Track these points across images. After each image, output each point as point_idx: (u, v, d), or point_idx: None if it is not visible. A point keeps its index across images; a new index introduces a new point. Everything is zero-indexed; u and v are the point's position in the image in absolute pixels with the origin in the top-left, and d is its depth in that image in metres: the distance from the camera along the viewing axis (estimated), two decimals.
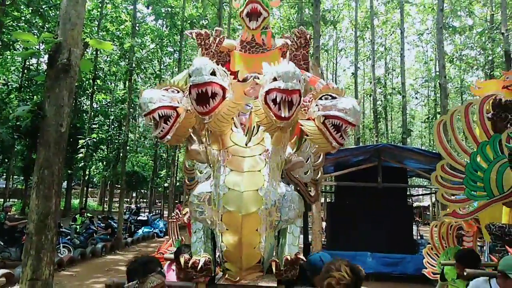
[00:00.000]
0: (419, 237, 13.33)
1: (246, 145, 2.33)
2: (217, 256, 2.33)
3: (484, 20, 20.38)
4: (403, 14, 18.43)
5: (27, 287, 2.81)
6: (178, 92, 2.29)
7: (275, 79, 1.97)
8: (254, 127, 2.41)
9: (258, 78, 2.22)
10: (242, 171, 2.20)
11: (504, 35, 12.88)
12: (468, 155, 2.99)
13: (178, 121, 2.21)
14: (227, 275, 2.55)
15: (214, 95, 2.00)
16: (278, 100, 1.96)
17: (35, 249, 2.85)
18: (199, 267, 2.13)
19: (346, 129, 2.09)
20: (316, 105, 2.14)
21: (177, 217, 5.44)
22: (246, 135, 2.42)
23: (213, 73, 2.01)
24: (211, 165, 2.43)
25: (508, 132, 2.82)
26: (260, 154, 2.28)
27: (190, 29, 13.92)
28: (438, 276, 5.53)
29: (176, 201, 24.80)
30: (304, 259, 2.24)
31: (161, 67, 22.94)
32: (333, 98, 2.12)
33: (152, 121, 2.22)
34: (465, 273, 3.09)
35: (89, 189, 30.58)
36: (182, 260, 2.23)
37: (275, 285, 2.29)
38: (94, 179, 30.06)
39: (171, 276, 3.21)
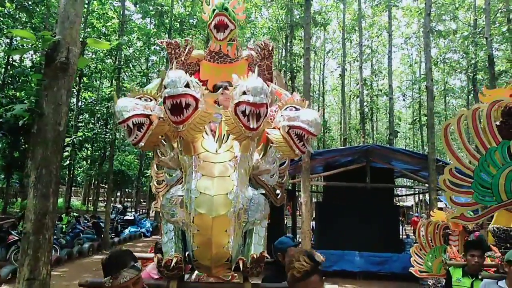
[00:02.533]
0: (405, 236, 13.59)
1: (216, 151, 2.45)
2: (186, 255, 2.44)
3: (468, 24, 20.88)
4: (390, 17, 18.71)
5: (24, 287, 2.79)
6: (151, 100, 2.42)
7: (244, 93, 2.14)
8: (224, 135, 2.54)
9: (227, 89, 2.39)
10: (212, 176, 2.31)
11: (488, 39, 13.25)
12: (476, 160, 3.04)
13: (151, 129, 2.34)
14: (196, 272, 2.71)
15: (187, 106, 2.12)
16: (247, 112, 2.13)
17: (32, 248, 2.83)
18: (171, 266, 2.26)
19: (308, 139, 2.28)
20: (282, 115, 2.31)
21: None
22: (216, 142, 2.54)
23: (187, 85, 2.12)
24: (182, 170, 2.54)
25: None
26: (229, 160, 2.41)
27: (180, 28, 13.88)
28: (425, 274, 5.69)
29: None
30: (268, 256, 2.41)
31: (148, 65, 22.73)
32: (297, 109, 2.31)
33: (126, 128, 2.35)
34: (480, 277, 3.17)
35: (73, 188, 30.08)
36: (155, 260, 2.39)
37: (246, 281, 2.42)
38: (78, 178, 29.58)
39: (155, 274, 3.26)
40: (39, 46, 3.13)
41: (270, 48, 3.22)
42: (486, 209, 3.22)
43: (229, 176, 2.33)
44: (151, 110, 2.35)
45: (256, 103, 2.12)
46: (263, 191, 3.11)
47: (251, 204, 2.39)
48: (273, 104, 2.66)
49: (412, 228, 19.84)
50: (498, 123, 3.13)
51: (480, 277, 3.18)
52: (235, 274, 3.30)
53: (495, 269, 3.66)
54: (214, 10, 3.23)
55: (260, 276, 2.48)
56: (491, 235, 3.23)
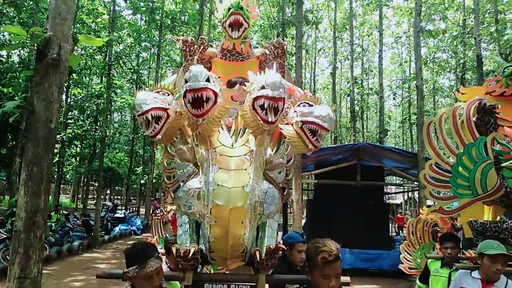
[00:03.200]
0: (394, 234, 13.74)
1: (232, 145, 2.50)
2: (201, 247, 2.48)
3: (457, 24, 21.12)
4: (381, 16, 18.84)
5: (15, 285, 2.76)
6: (169, 94, 2.48)
7: (263, 87, 2.19)
8: (240, 129, 2.59)
9: (245, 85, 2.42)
10: (229, 169, 2.35)
11: (476, 39, 13.44)
12: (455, 156, 3.15)
13: (168, 122, 2.40)
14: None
15: (207, 100, 2.18)
16: (265, 106, 2.18)
17: (23, 246, 2.80)
18: (190, 255, 2.31)
19: (321, 134, 2.35)
20: (295, 111, 2.38)
21: (161, 214, 5.42)
22: (232, 137, 2.60)
23: (208, 80, 2.18)
24: (198, 164, 2.58)
25: (494, 135, 2.99)
26: (245, 154, 2.45)
27: (171, 24, 13.80)
28: (415, 271, 5.77)
29: (152, 199, 24.48)
30: (285, 247, 2.48)
31: (139, 61, 22.55)
32: (310, 105, 2.38)
33: (144, 121, 2.39)
34: (454, 267, 3.27)
35: (62, 186, 29.74)
36: (173, 250, 2.40)
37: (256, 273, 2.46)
38: (67, 176, 29.25)
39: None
40: (29, 42, 3.09)
41: (285, 48, 3.30)
42: (463, 203, 3.33)
43: (245, 169, 2.37)
44: (168, 104, 2.41)
45: (275, 97, 2.17)
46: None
47: (267, 197, 2.45)
48: (286, 100, 2.72)
49: (397, 225, 20.08)
50: (474, 119, 3.25)
51: (454, 267, 3.29)
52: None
53: (474, 261, 3.80)
54: (229, 8, 3.26)
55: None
56: (469, 228, 3.32)
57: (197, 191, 2.43)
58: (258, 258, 2.30)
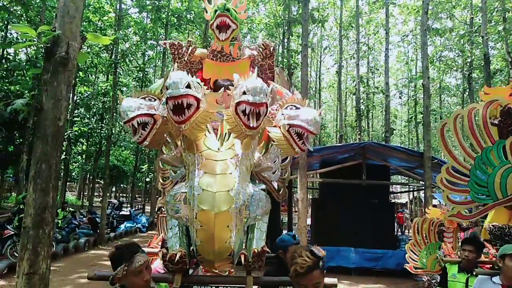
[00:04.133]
0: (399, 233, 13.70)
1: (218, 149, 2.52)
2: (191, 250, 2.50)
3: (464, 23, 20.96)
4: (388, 15, 18.74)
5: (23, 281, 2.79)
6: (155, 100, 2.49)
7: (244, 93, 2.21)
8: (225, 133, 2.61)
9: (229, 89, 2.43)
10: (215, 173, 2.37)
11: (484, 38, 13.33)
12: (472, 159, 3.08)
13: (155, 128, 2.42)
14: (201, 267, 2.80)
15: (189, 106, 2.18)
16: (247, 111, 2.20)
17: (32, 243, 2.82)
18: (175, 260, 2.33)
19: (308, 137, 2.35)
20: (282, 114, 2.39)
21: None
22: (218, 140, 2.61)
23: (188, 86, 2.18)
24: (185, 168, 2.60)
25: (511, 139, 2.93)
26: (231, 158, 2.47)
27: (177, 23, 13.82)
28: (420, 270, 5.76)
29: (157, 196, 24.55)
30: (269, 251, 2.48)
31: (145, 60, 22.62)
32: (297, 108, 2.38)
33: (131, 128, 2.42)
34: (474, 272, 3.23)
35: (67, 183, 29.95)
36: (160, 254, 2.48)
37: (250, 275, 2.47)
38: (73, 173, 29.46)
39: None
40: (36, 41, 3.11)
41: (271, 49, 3.27)
42: (482, 207, 3.26)
43: (230, 173, 2.39)
44: (155, 110, 2.42)
45: (256, 103, 2.18)
46: (264, 187, 3.19)
47: (252, 200, 2.45)
48: (274, 103, 2.71)
49: (397, 224, 20.03)
50: (496, 121, 3.17)
51: (474, 273, 3.24)
52: (232, 270, 3.35)
53: (491, 265, 3.73)
54: (216, 11, 3.27)
55: (262, 270, 2.55)
56: (487, 232, 3.28)
57: (184, 195, 2.45)
58: (243, 261, 2.33)
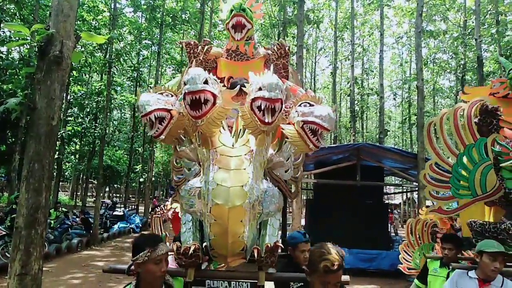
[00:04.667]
0: (393, 234, 13.77)
1: (232, 145, 2.55)
2: (204, 245, 2.52)
3: (458, 25, 21.13)
4: (382, 17, 18.84)
5: (15, 282, 2.76)
6: (172, 96, 2.53)
7: (260, 89, 2.24)
8: (240, 130, 2.64)
9: (245, 86, 2.46)
10: (229, 169, 2.41)
11: (477, 41, 13.45)
12: (455, 156, 3.17)
13: (171, 123, 2.45)
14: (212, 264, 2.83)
15: (206, 101, 2.24)
16: (262, 107, 2.24)
17: (24, 243, 2.80)
18: (189, 253, 2.36)
19: (322, 134, 2.37)
20: (296, 111, 2.41)
21: (161, 212, 5.41)
22: (232, 137, 2.64)
23: (206, 82, 2.23)
24: (200, 163, 2.64)
25: (494, 136, 3.00)
26: (245, 154, 2.49)
27: (172, 22, 13.80)
28: (414, 271, 5.78)
29: (151, 197, 24.46)
30: (282, 246, 2.51)
31: (139, 59, 22.52)
32: (311, 105, 2.40)
33: (148, 122, 2.45)
34: (450, 267, 3.29)
35: (60, 183, 29.72)
36: (174, 247, 2.46)
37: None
38: (66, 173, 29.24)
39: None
40: (29, 39, 3.09)
41: (287, 48, 3.32)
42: (462, 203, 3.34)
43: (244, 169, 2.42)
44: (172, 105, 2.46)
45: (271, 98, 2.22)
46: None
47: (266, 196, 2.48)
48: (288, 100, 2.73)
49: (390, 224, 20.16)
50: (476, 120, 3.26)
51: (451, 267, 3.32)
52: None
53: (472, 261, 3.81)
54: (232, 10, 3.31)
55: (275, 266, 2.55)
56: (469, 229, 3.34)
57: (198, 190, 2.48)
58: (256, 256, 2.34)
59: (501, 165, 2.92)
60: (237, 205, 2.30)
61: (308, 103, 2.42)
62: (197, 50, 3.33)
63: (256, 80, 2.31)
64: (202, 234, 2.55)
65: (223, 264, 3.08)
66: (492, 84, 3.48)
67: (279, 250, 2.45)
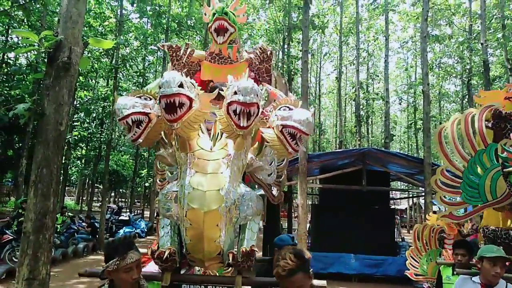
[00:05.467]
0: (400, 240, 13.66)
1: (211, 149, 2.55)
2: (184, 250, 2.51)
3: (463, 30, 21.06)
4: (387, 21, 18.84)
5: (23, 287, 2.78)
6: (151, 99, 2.50)
7: (235, 93, 2.23)
8: (218, 133, 2.63)
9: (223, 90, 2.45)
10: (206, 172, 2.40)
11: (483, 45, 13.39)
12: (466, 162, 3.15)
13: (149, 126, 2.43)
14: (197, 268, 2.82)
15: (181, 105, 2.21)
16: (238, 111, 2.22)
17: (32, 248, 2.81)
18: (164, 257, 2.34)
19: (301, 138, 2.35)
20: (275, 115, 2.40)
21: None
22: (211, 140, 2.64)
23: (181, 85, 2.21)
24: (178, 167, 2.64)
25: (501, 143, 2.98)
26: (223, 158, 2.49)
27: (177, 28, 13.87)
28: (421, 277, 5.73)
29: (156, 201, 24.46)
30: (257, 250, 2.47)
31: (145, 65, 22.68)
32: (290, 109, 2.39)
33: (126, 125, 2.44)
34: (455, 272, 3.27)
35: (66, 188, 29.89)
36: (149, 252, 2.47)
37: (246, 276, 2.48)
38: (72, 178, 29.40)
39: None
40: (37, 45, 3.12)
41: (269, 52, 3.31)
42: (473, 209, 3.34)
43: (221, 172, 2.42)
44: (150, 109, 2.44)
45: (246, 103, 2.21)
46: (262, 192, 3.19)
47: (243, 200, 2.46)
48: (268, 105, 2.74)
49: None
50: (490, 124, 3.24)
51: (455, 272, 3.30)
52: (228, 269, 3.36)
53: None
54: (214, 14, 3.30)
55: (253, 271, 2.56)
56: (482, 235, 3.33)
57: (175, 194, 2.48)
58: (231, 260, 2.32)
59: (504, 170, 2.91)
60: (213, 209, 2.28)
61: (288, 107, 2.41)
62: (180, 53, 3.33)
63: (232, 84, 2.31)
64: (181, 237, 2.52)
65: (229, 270, 3.08)
66: (507, 88, 3.44)
67: (255, 254, 2.42)
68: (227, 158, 2.49)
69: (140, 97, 2.51)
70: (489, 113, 3.22)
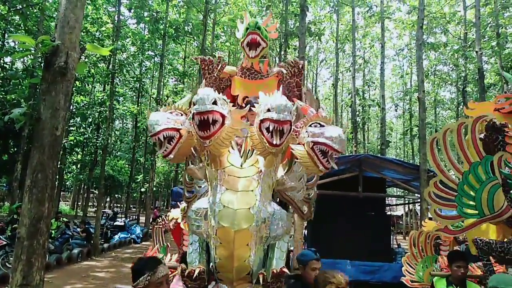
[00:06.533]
0: (396, 246, 13.65)
1: (241, 166, 2.52)
2: (211, 266, 2.49)
3: (458, 38, 21.28)
4: (383, 29, 19.01)
5: None
6: (182, 115, 2.53)
7: (269, 110, 2.22)
8: (249, 150, 2.62)
9: (254, 106, 2.45)
10: (236, 190, 2.38)
11: (478, 53, 13.53)
12: (460, 174, 3.08)
13: (180, 142, 2.44)
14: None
15: (214, 122, 2.22)
16: (271, 129, 2.21)
17: (26, 254, 2.80)
18: (194, 276, 2.33)
19: (332, 155, 2.31)
20: (306, 131, 2.37)
21: (163, 223, 5.39)
22: (241, 157, 2.61)
23: (215, 102, 2.21)
24: (208, 182, 2.63)
25: (500, 155, 2.94)
26: (253, 175, 2.47)
27: (174, 34, 13.89)
28: (417, 284, 5.71)
29: (152, 207, 24.39)
30: (288, 272, 2.45)
31: (142, 70, 22.69)
32: (322, 126, 2.36)
33: (157, 141, 2.44)
34: (429, 273, 3.23)
35: (61, 193, 29.69)
36: (179, 270, 2.49)
37: None
38: (67, 183, 29.22)
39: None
40: (34, 50, 3.13)
41: (300, 66, 3.29)
42: (468, 223, 3.21)
43: (252, 190, 2.39)
44: (181, 124, 2.46)
45: (280, 120, 2.19)
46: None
47: (273, 219, 2.44)
48: (298, 120, 2.71)
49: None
50: (482, 136, 3.17)
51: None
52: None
53: (478, 279, 3.74)
54: (247, 28, 3.34)
55: None
56: (474, 247, 3.25)
57: (205, 211, 2.47)
58: (261, 281, 2.31)
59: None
60: (243, 228, 2.27)
61: (319, 123, 2.38)
62: (212, 66, 3.33)
63: (265, 101, 2.29)
64: (209, 255, 2.51)
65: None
66: (496, 99, 3.38)
67: (284, 275, 2.41)
68: (258, 176, 2.46)
69: (171, 112, 2.53)
70: (482, 124, 3.18)
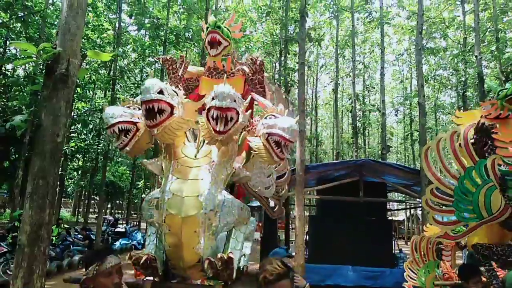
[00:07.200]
0: (398, 251, 13.60)
1: (195, 157, 2.57)
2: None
3: (458, 42, 21.33)
4: (383, 34, 19.09)
5: None
6: (139, 109, 2.54)
7: (213, 98, 2.28)
8: (201, 140, 2.66)
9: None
10: (186, 179, 2.43)
11: (477, 58, 13.55)
12: (456, 180, 3.10)
13: (137, 135, 2.48)
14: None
15: (161, 111, 2.26)
16: (215, 116, 2.26)
17: (27, 261, 2.78)
18: (141, 262, 2.34)
19: (286, 145, 2.37)
20: (262, 124, 2.44)
21: None
22: (196, 148, 2.67)
23: (161, 92, 2.26)
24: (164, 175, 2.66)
25: (494, 157, 2.95)
26: (206, 165, 2.51)
27: (175, 40, 13.99)
28: None
29: None
30: (234, 257, 2.42)
31: (143, 76, 22.77)
32: (276, 117, 2.43)
33: (113, 134, 2.51)
34: (433, 283, 3.21)
35: (62, 199, 29.65)
36: (127, 257, 2.47)
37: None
38: (68, 189, 29.22)
39: None
40: (35, 57, 3.14)
41: (259, 63, 3.35)
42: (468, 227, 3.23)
43: (202, 179, 2.43)
44: (138, 118, 2.49)
45: (223, 107, 2.24)
46: (259, 204, 3.17)
47: (223, 207, 2.43)
48: (252, 114, 2.80)
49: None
50: (472, 140, 3.22)
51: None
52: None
53: (483, 285, 3.71)
54: (208, 28, 3.42)
55: (236, 282, 2.49)
56: (476, 253, 3.24)
57: (156, 201, 2.50)
58: (206, 267, 2.28)
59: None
60: (190, 215, 2.28)
61: (273, 115, 2.45)
62: (176, 66, 3.39)
63: (211, 92, 2.34)
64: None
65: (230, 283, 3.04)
66: (482, 107, 3.44)
67: (233, 262, 2.36)
68: (210, 165, 2.49)
69: (129, 107, 2.57)
70: (473, 130, 3.21)
